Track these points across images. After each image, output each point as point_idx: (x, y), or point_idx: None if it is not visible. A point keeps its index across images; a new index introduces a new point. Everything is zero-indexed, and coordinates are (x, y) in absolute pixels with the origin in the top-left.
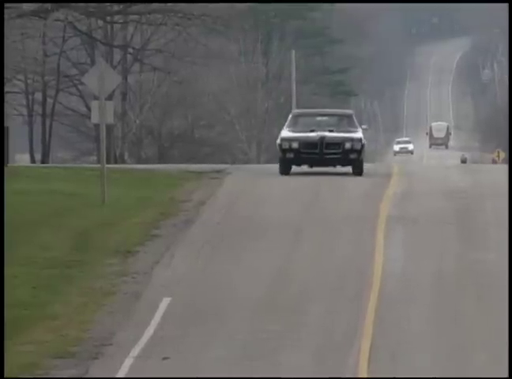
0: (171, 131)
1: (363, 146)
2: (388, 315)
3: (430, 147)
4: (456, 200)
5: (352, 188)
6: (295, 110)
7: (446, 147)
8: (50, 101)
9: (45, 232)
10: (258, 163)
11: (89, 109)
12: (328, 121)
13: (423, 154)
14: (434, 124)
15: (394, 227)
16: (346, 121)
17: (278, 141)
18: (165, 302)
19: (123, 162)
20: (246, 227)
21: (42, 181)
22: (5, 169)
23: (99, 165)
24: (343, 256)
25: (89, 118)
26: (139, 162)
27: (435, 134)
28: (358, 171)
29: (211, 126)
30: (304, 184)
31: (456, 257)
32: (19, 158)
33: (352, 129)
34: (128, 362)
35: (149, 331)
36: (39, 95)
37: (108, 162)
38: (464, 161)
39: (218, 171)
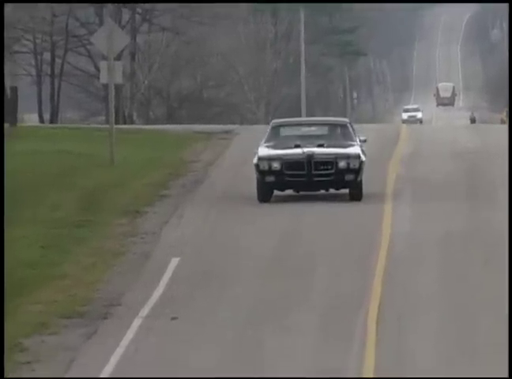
0: (179, 91)
1: (361, 164)
2: (396, 275)
3: (437, 106)
4: (464, 161)
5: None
6: (275, 120)
7: (453, 106)
8: (58, 61)
9: (54, 192)
10: (267, 123)
11: (98, 69)
12: (317, 132)
13: (431, 115)
14: (440, 84)
15: (403, 187)
16: (340, 133)
17: (255, 161)
18: (174, 263)
19: (132, 122)
20: (254, 187)
21: (50, 142)
22: (14, 129)
23: (107, 125)
24: (351, 215)
25: (98, 78)
26: (147, 122)
27: (442, 94)
28: (356, 195)
29: (219, 86)
30: None
31: (464, 216)
32: (27, 118)
33: (347, 143)
34: (137, 322)
35: (158, 291)
36: (47, 55)
37: (117, 122)
38: (473, 120)
39: (226, 132)
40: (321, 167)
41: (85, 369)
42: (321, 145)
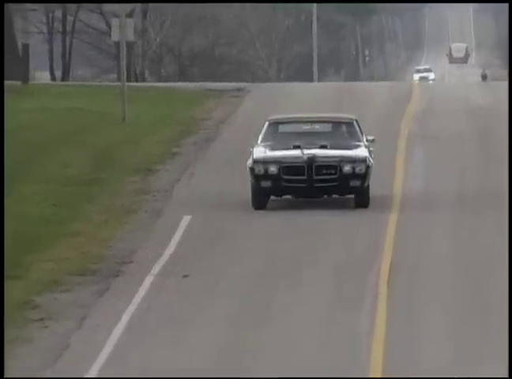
0: (191, 49)
1: (368, 169)
2: (408, 232)
3: (450, 63)
4: (476, 118)
5: (374, 106)
6: (272, 117)
7: (466, 63)
8: (70, 18)
9: (65, 150)
10: (278, 81)
11: (109, 26)
12: (319, 131)
13: (444, 72)
14: (453, 45)
15: (415, 144)
16: (346, 132)
17: (249, 164)
18: (185, 220)
19: (143, 80)
20: None
21: (62, 99)
22: (25, 86)
23: (119, 83)
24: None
25: (109, 35)
26: (159, 80)
27: (455, 55)
28: (362, 202)
29: (231, 44)
30: (324, 108)
31: (476, 174)
32: (39, 75)
33: (353, 144)
34: (149, 280)
35: (170, 249)
36: (59, 13)
37: (128, 80)
38: (484, 77)
39: (238, 89)
40: (324, 172)
41: (97, 327)
42: (323, 146)
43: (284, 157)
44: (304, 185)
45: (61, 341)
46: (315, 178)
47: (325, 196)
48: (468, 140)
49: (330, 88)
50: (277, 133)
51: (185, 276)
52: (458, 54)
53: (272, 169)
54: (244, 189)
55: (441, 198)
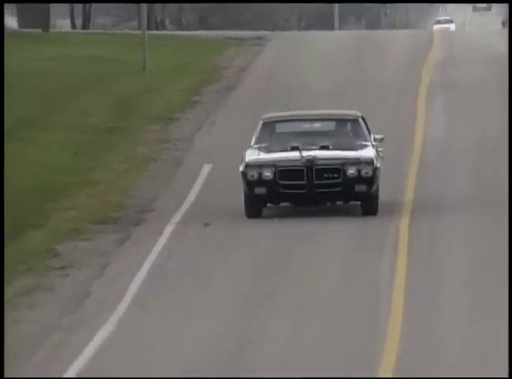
0: None
1: (375, 171)
2: (428, 180)
3: (473, 11)
4: (497, 65)
5: (395, 54)
6: (267, 115)
7: (490, 10)
8: None
9: (85, 98)
10: (299, 29)
11: None
12: (320, 130)
13: (465, 20)
14: None
15: (436, 92)
16: (350, 130)
17: (241, 168)
18: (206, 169)
19: (164, 28)
20: (287, 94)
21: (82, 47)
22: (46, 34)
23: (139, 31)
24: (385, 120)
25: None
26: (179, 28)
27: (478, 5)
28: (369, 210)
29: None
30: (345, 57)
31: (496, 122)
32: (60, 23)
33: (358, 143)
34: (169, 228)
35: (190, 197)
36: None
37: (149, 28)
38: (504, 24)
39: (258, 38)
40: (326, 176)
41: (118, 275)
42: (325, 147)
43: (280, 160)
44: (303, 191)
45: (82, 289)
46: (316, 182)
47: (328, 203)
48: (489, 88)
49: (351, 37)
50: (273, 134)
51: (206, 225)
52: (481, 4)
53: (267, 173)
54: None
55: (461, 151)
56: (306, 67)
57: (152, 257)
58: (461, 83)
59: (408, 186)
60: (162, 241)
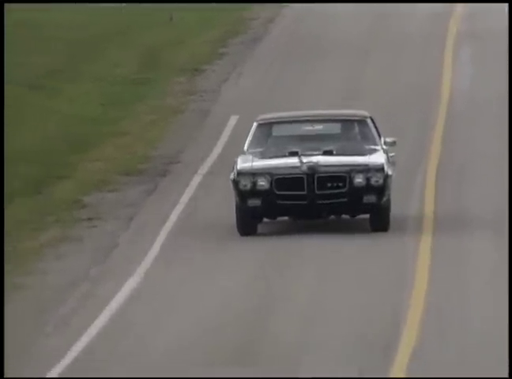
0: None
1: (386, 179)
2: (455, 134)
3: None
4: None
5: (421, 5)
6: (262, 116)
7: None
8: None
9: (113, 49)
10: None
11: None
12: (323, 133)
13: None
14: None
15: (463, 43)
16: (357, 133)
17: (232, 176)
18: (233, 120)
19: None
20: (314, 46)
21: None
22: None
23: None
24: (411, 75)
25: None
26: None
27: None
28: (380, 225)
29: None
30: (372, 8)
31: None
32: None
33: (367, 148)
34: (196, 180)
35: (217, 149)
36: None
37: None
38: None
39: None
40: (329, 185)
41: (145, 227)
42: (328, 152)
43: (277, 167)
44: (304, 202)
45: (109, 240)
46: (318, 193)
47: (332, 216)
48: None
49: None
50: (269, 137)
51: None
52: None
53: (262, 182)
54: (291, 87)
55: (487, 98)
56: (334, 19)
57: (179, 208)
58: (487, 35)
59: (435, 137)
60: (189, 192)
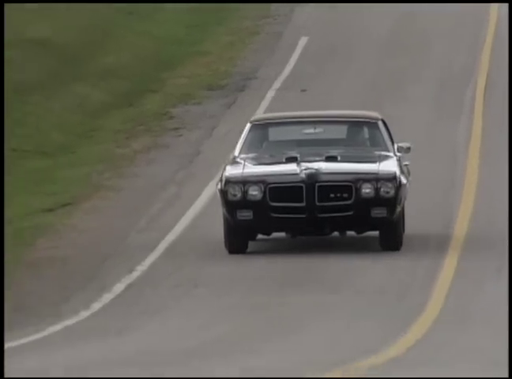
0: None
1: (399, 190)
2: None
3: None
4: None
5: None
6: (256, 117)
7: None
8: None
9: None
10: None
11: None
12: (326, 136)
13: None
14: None
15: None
16: (366, 137)
17: (219, 185)
18: (303, 41)
19: None
20: None
21: None
22: None
23: None
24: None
25: None
26: None
27: None
28: (390, 243)
29: None
30: None
31: None
32: None
33: (376, 154)
34: (270, 94)
35: (289, 66)
36: None
37: None
38: None
39: None
40: (332, 196)
41: (225, 136)
42: (331, 158)
43: (272, 174)
44: (302, 215)
45: (193, 148)
46: (318, 204)
47: (335, 233)
48: None
49: None
50: (264, 141)
51: (303, 91)
52: None
53: (254, 192)
54: (357, 14)
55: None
56: None
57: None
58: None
59: (483, 54)
60: (264, 105)
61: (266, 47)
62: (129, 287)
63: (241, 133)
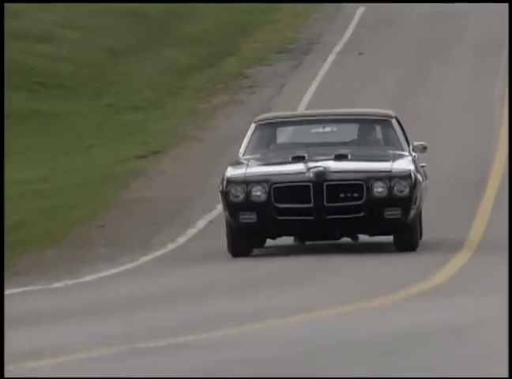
0: None
1: (414, 189)
2: None
3: None
4: None
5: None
6: (262, 116)
7: None
8: None
9: None
10: None
11: None
12: (336, 135)
13: None
14: None
15: None
16: (380, 136)
17: (220, 187)
18: (360, 10)
19: None
20: None
21: None
22: None
23: None
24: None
25: None
26: None
27: None
28: (406, 245)
29: None
30: None
31: None
32: None
33: (390, 153)
34: (331, 57)
35: (348, 32)
36: None
37: None
38: None
39: None
40: (342, 196)
41: (292, 93)
42: (341, 157)
43: (277, 173)
44: (310, 217)
45: (265, 103)
46: (327, 205)
47: (345, 236)
48: None
49: None
50: (270, 141)
51: (360, 54)
52: None
53: (258, 193)
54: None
55: None
56: None
57: (318, 79)
58: None
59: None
60: (326, 66)
61: (328, 16)
62: (210, 223)
63: (305, 91)
